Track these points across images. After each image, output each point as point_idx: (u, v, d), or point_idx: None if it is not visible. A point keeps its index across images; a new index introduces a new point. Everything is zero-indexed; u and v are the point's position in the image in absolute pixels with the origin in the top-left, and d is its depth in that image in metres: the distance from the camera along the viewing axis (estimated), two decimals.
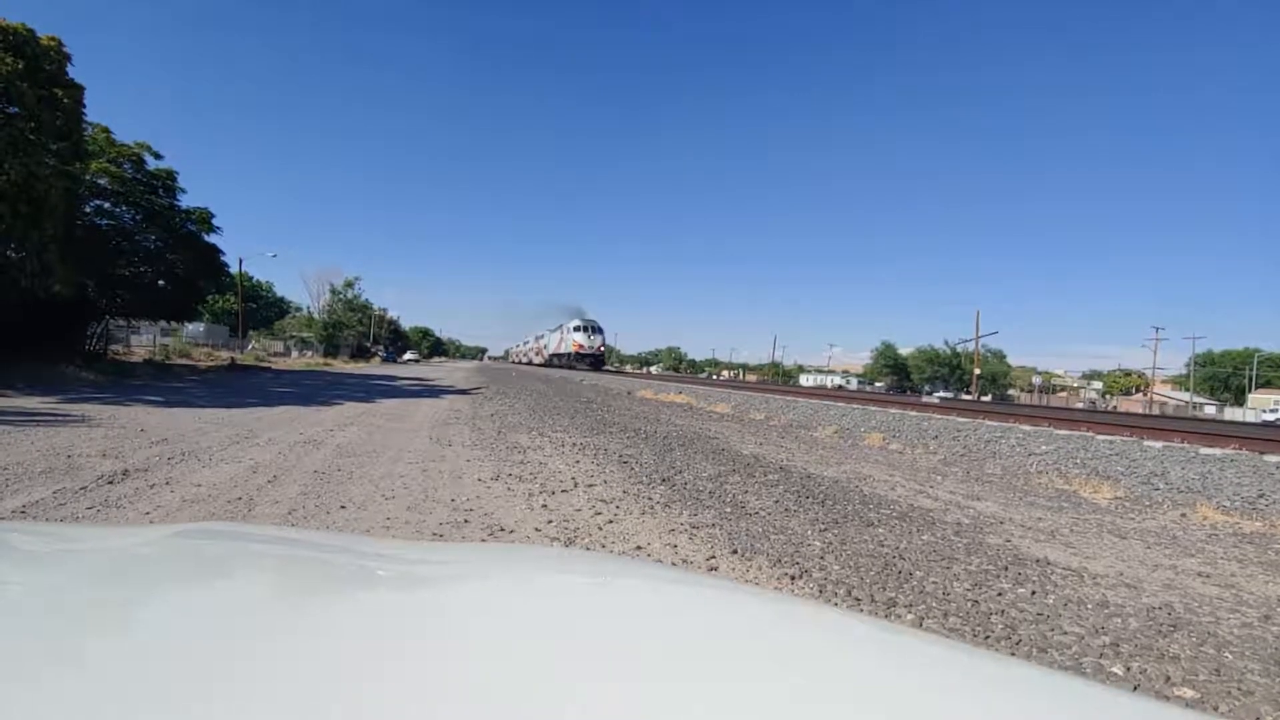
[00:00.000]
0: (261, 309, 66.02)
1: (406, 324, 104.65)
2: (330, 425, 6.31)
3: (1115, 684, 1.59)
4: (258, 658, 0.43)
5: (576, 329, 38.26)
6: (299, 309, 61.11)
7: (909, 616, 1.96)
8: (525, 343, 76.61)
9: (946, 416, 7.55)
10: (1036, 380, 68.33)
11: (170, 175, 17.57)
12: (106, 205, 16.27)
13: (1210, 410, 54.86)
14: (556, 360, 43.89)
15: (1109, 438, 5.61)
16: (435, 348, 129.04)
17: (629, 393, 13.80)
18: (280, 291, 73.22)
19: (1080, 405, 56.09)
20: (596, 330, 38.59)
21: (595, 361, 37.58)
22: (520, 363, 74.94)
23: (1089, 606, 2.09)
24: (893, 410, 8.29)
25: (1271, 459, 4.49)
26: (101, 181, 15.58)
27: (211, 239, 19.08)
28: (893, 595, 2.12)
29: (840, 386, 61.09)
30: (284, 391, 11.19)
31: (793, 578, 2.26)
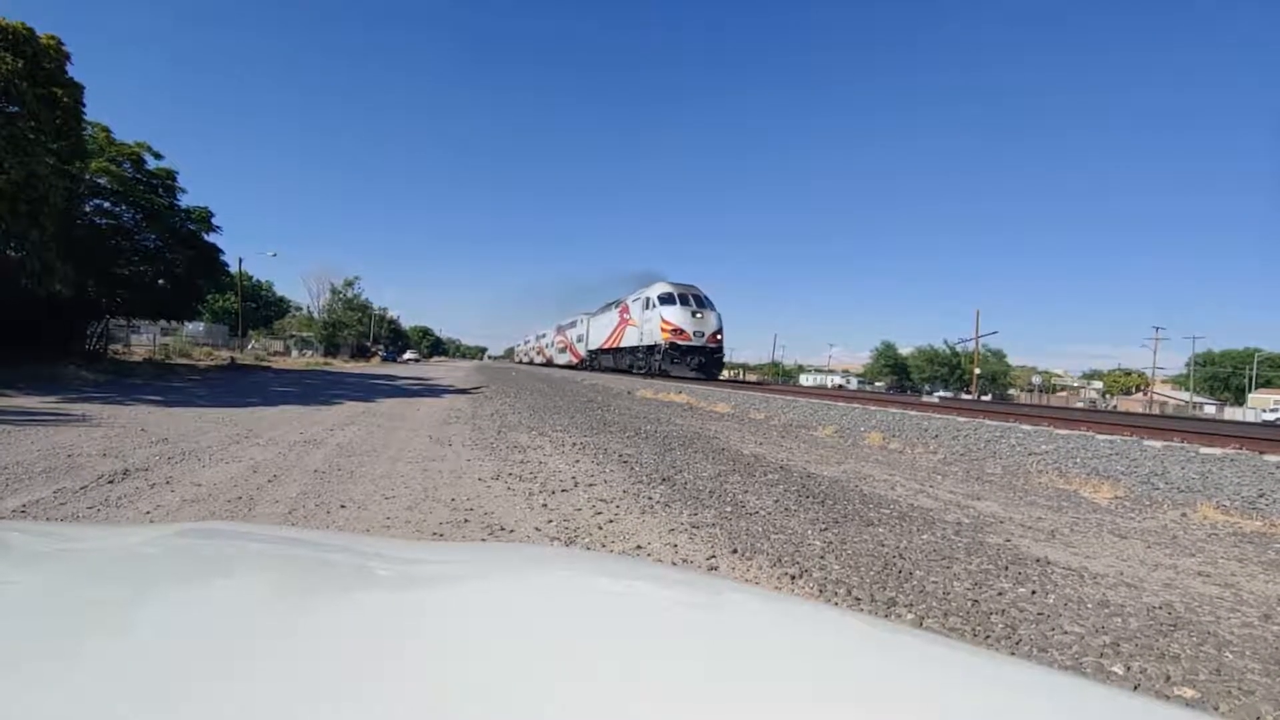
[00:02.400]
0: (261, 308, 66.02)
1: (406, 323, 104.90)
2: (330, 424, 6.31)
3: (1115, 683, 1.59)
4: (258, 657, 0.43)
5: (665, 299, 20.23)
6: (299, 308, 61.08)
7: (909, 616, 1.96)
8: (539, 337, 58.22)
9: (946, 416, 7.55)
10: (1036, 380, 68.33)
11: (170, 175, 17.59)
12: (106, 205, 16.29)
13: (1210, 410, 54.88)
14: (608, 359, 27.23)
15: (1109, 437, 5.61)
16: (435, 347, 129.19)
17: (629, 392, 13.80)
18: (280, 291, 73.12)
19: (1080, 405, 56.09)
20: (706, 304, 20.49)
21: (708, 363, 19.86)
22: (528, 363, 61.20)
23: (1089, 606, 2.09)
24: (893, 410, 8.29)
25: (1271, 458, 4.49)
26: (101, 181, 15.58)
27: (211, 238, 19.14)
28: (893, 595, 2.12)
29: (840, 386, 60.72)
30: (284, 391, 11.19)
31: (793, 577, 2.26)
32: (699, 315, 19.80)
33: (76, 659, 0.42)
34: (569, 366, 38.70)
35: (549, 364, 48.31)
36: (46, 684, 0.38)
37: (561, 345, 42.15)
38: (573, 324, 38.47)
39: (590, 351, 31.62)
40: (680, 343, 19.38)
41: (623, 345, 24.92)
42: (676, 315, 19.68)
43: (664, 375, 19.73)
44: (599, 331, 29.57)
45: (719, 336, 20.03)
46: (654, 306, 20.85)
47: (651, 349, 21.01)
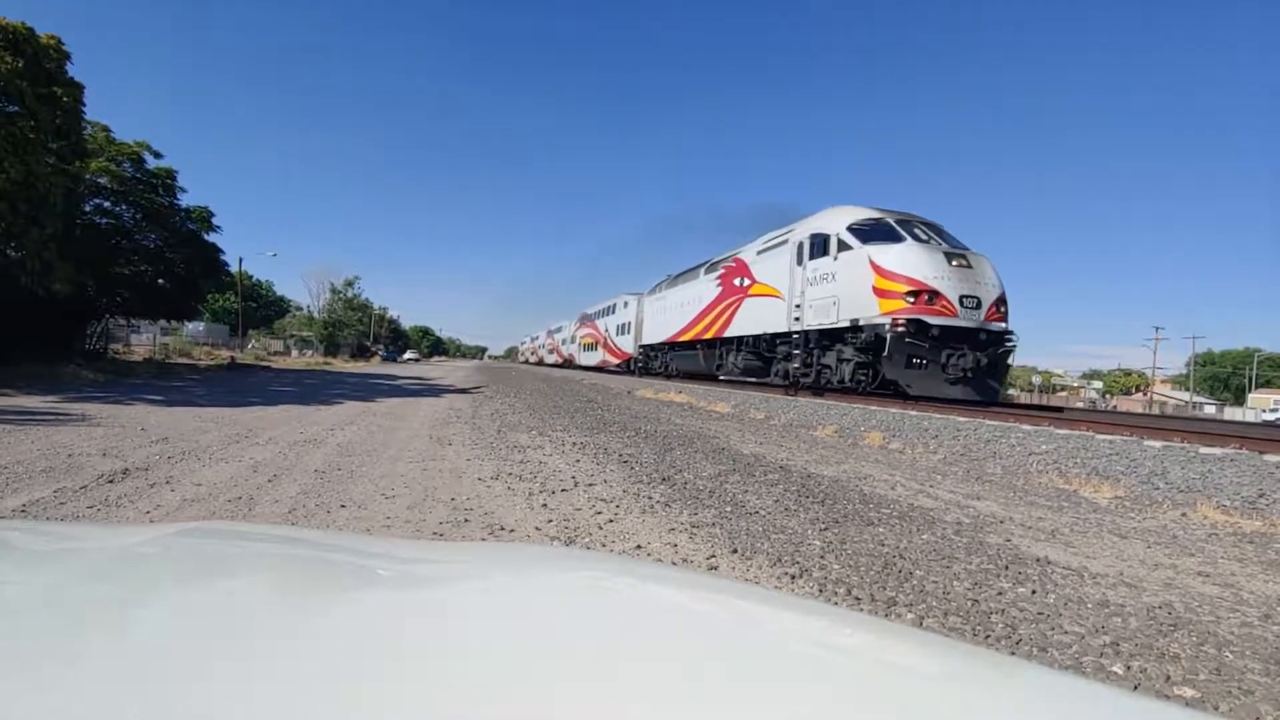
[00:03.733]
0: (261, 308, 66.07)
1: (406, 323, 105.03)
2: (330, 424, 6.31)
3: (1115, 683, 1.59)
4: (258, 657, 0.43)
5: (874, 231, 9.94)
6: (299, 308, 61.15)
7: (909, 616, 1.96)
8: (553, 332, 48.79)
9: (946, 416, 7.55)
10: (1036, 380, 68.28)
11: (170, 174, 17.60)
12: (106, 204, 16.33)
13: (1210, 410, 54.87)
14: (686, 358, 18.07)
15: (1109, 437, 5.60)
16: (435, 347, 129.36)
17: (629, 392, 13.80)
18: (280, 291, 73.19)
19: (1080, 405, 56.08)
20: (960, 244, 9.79)
21: (992, 365, 8.94)
22: (537, 363, 55.92)
23: (1089, 606, 2.09)
24: (893, 410, 8.29)
25: (1271, 458, 4.49)
26: (101, 180, 15.60)
27: (211, 238, 19.18)
28: (893, 594, 2.12)
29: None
30: (284, 390, 11.19)
31: (793, 577, 2.26)
32: (963, 264, 9.18)
33: (77, 659, 0.42)
34: (599, 369, 28.39)
35: (567, 365, 38.17)
36: (47, 684, 0.38)
37: (589, 340, 31.48)
38: (609, 310, 27.63)
39: (645, 347, 21.84)
40: (932, 320, 8.84)
41: (733, 334, 14.26)
42: (915, 262, 9.17)
43: (879, 392, 9.79)
44: (667, 315, 19.19)
45: (1004, 310, 9.35)
46: (842, 249, 10.31)
47: (838, 335, 10.44)
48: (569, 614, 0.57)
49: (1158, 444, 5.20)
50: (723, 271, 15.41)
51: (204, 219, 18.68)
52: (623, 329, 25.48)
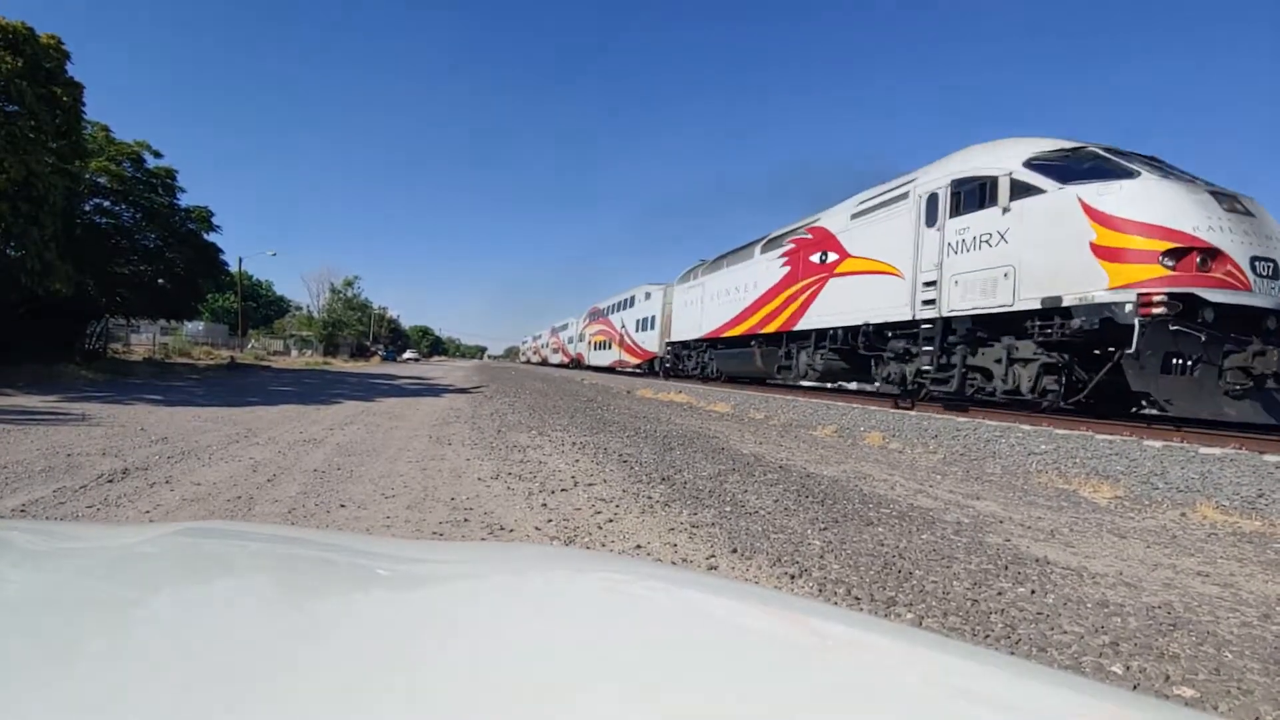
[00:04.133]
0: (261, 308, 66.09)
1: (406, 323, 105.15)
2: (330, 424, 6.31)
3: (1115, 683, 1.59)
4: (257, 656, 0.43)
5: (1095, 166, 6.30)
6: (298, 308, 61.15)
7: (909, 615, 1.96)
8: (558, 329, 45.61)
9: (946, 416, 7.55)
10: None
11: (170, 174, 17.60)
12: (106, 204, 16.32)
13: None
14: (732, 357, 14.69)
15: (1109, 437, 5.60)
16: (435, 347, 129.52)
17: (629, 391, 13.80)
18: (280, 291, 73.20)
19: None
20: (1207, 181, 6.01)
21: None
22: (539, 362, 53.07)
23: (1088, 605, 2.09)
24: (892, 410, 8.28)
25: (1271, 458, 4.49)
26: (101, 180, 15.60)
27: (211, 238, 19.18)
28: (892, 594, 2.12)
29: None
30: (284, 390, 11.19)
31: (792, 576, 2.27)
32: (1240, 210, 5.66)
33: (76, 659, 0.42)
34: (613, 370, 26.12)
35: (574, 365, 35.83)
36: (46, 684, 0.38)
37: (601, 337, 28.59)
38: (626, 303, 24.58)
39: (675, 344, 18.90)
40: (1214, 295, 5.40)
41: (809, 325, 11.01)
42: (1171, 205, 5.64)
43: (1069, 411, 6.98)
44: (706, 306, 16.10)
45: None
46: (1020, 194, 6.85)
47: (1009, 323, 7.12)
48: (568, 614, 0.57)
49: (1157, 444, 5.20)
50: (791, 247, 11.99)
51: (204, 219, 18.67)
52: (644, 324, 22.01)
